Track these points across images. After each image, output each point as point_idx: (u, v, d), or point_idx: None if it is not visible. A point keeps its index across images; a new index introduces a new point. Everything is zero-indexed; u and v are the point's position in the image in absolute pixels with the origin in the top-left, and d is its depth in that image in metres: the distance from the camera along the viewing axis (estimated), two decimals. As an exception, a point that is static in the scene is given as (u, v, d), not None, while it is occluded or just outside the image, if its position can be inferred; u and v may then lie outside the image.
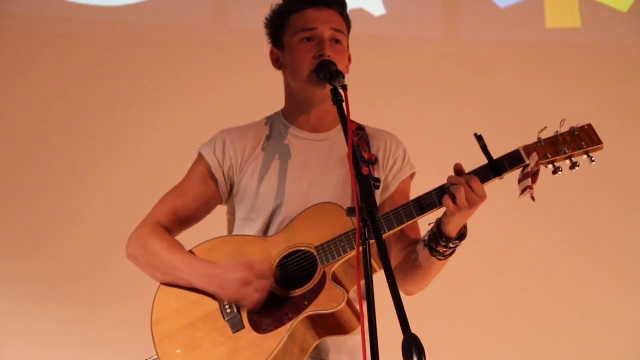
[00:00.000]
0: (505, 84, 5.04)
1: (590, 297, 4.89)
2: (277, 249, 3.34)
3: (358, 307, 3.19)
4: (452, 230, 3.24)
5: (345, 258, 3.25)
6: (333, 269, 3.26)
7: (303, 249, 3.32)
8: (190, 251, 3.41)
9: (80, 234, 4.54)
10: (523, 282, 4.90)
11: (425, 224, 3.31)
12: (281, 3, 3.57)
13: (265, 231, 3.48)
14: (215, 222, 3.62)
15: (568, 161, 3.12)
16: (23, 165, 4.55)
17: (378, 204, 3.45)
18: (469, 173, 3.20)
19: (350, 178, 3.45)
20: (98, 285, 4.50)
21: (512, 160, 3.17)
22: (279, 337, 3.21)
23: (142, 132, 4.61)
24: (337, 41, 3.46)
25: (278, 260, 3.31)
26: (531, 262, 4.92)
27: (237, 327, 3.25)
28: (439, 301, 4.76)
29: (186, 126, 4.57)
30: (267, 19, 3.57)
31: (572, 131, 3.16)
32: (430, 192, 3.24)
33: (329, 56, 3.40)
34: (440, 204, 3.21)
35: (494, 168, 3.16)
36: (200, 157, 3.55)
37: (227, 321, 3.26)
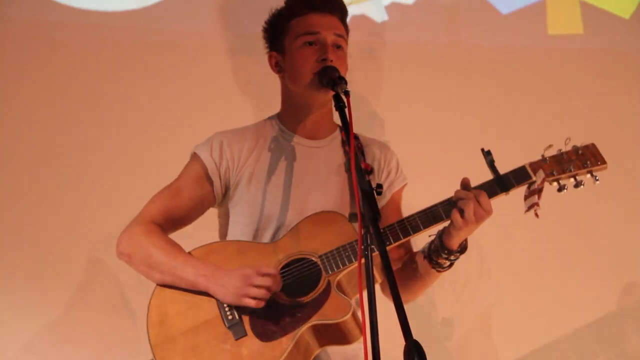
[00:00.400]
0: (506, 90, 5.04)
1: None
2: (278, 256, 3.26)
3: (360, 316, 3.05)
4: (455, 243, 3.22)
5: (350, 267, 3.18)
6: (338, 278, 3.20)
7: (306, 257, 3.25)
8: (188, 253, 3.31)
9: (78, 237, 4.53)
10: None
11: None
12: (282, 7, 3.52)
13: (259, 237, 3.39)
14: (204, 225, 3.53)
15: (572, 179, 3.16)
16: (21, 169, 4.54)
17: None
18: (476, 187, 3.19)
19: (347, 186, 3.41)
20: (96, 286, 4.50)
21: (519, 176, 3.20)
22: (283, 345, 3.14)
23: (140, 137, 4.60)
24: (339, 47, 3.43)
25: (280, 268, 3.23)
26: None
27: (239, 334, 3.16)
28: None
29: (186, 130, 4.55)
30: (266, 22, 3.53)
31: (576, 149, 3.20)
32: (436, 205, 3.20)
33: (331, 61, 3.36)
34: (446, 217, 3.18)
35: (501, 183, 3.19)
36: (196, 157, 3.47)
37: (229, 328, 3.17)
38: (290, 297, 3.18)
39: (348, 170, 3.49)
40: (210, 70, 4.76)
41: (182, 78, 4.70)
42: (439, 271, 3.30)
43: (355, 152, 3.00)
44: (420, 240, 3.37)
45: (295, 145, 3.48)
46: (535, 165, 3.19)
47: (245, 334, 3.17)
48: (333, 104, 3.19)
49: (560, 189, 3.17)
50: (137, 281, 3.41)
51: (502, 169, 3.20)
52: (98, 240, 4.52)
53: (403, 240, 3.21)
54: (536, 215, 3.13)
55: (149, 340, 3.20)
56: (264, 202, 3.40)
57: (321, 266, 3.23)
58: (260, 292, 3.14)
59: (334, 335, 3.16)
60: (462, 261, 3.38)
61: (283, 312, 3.18)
